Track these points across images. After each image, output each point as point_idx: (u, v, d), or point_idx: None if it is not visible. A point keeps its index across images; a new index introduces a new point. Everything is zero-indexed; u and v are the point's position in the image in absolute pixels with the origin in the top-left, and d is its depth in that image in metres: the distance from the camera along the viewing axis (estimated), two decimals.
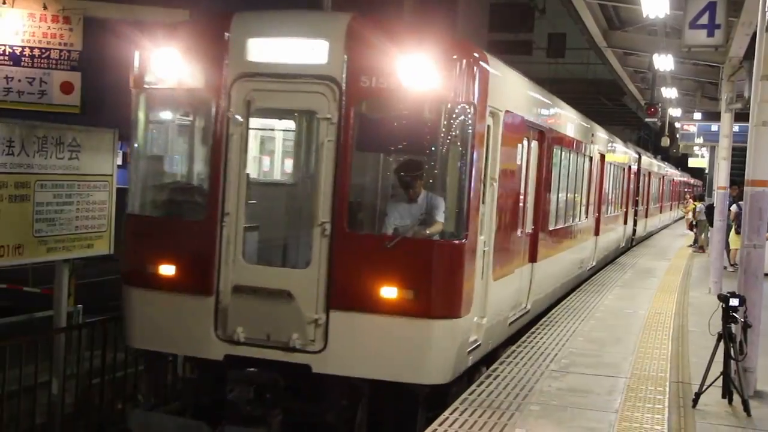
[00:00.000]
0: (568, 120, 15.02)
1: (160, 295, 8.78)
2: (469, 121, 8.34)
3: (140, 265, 8.89)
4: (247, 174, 8.73)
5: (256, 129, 9.72)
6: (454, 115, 8.26)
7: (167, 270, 8.73)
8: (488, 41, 36.70)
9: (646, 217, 31.39)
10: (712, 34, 13.70)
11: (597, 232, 19.26)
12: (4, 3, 14.98)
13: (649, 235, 33.30)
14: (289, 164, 11.13)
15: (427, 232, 8.46)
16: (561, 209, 14.64)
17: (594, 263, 19.31)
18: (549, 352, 10.70)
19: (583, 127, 16.91)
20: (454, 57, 8.32)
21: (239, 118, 8.52)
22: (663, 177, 39.06)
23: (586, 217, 17.65)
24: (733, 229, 20.71)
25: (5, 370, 10.15)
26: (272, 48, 8.57)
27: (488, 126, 9.10)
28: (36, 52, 15.23)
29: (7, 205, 10.36)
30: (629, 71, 28.06)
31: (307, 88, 8.42)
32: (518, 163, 10.79)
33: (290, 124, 10.49)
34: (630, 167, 25.39)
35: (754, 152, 9.41)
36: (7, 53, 15.10)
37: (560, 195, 14.43)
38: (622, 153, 23.79)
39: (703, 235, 28.98)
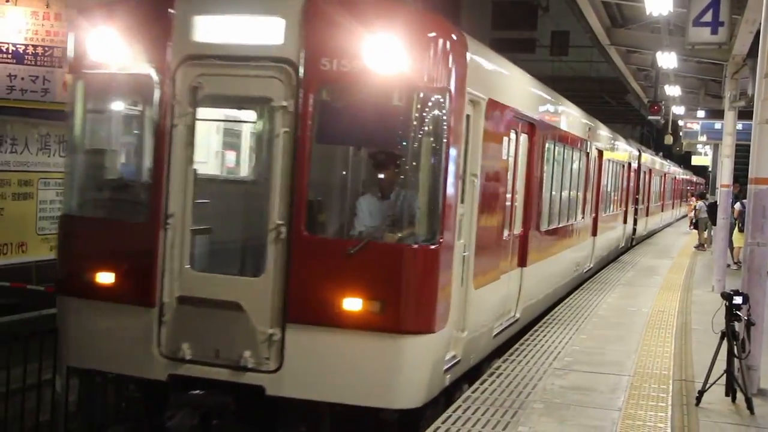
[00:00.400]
0: (562, 113, 14.26)
1: (98, 307, 7.82)
2: (445, 110, 7.46)
3: (76, 272, 7.97)
4: (195, 170, 7.79)
5: (207, 120, 8.55)
6: (427, 103, 7.39)
7: (105, 278, 7.80)
8: (491, 39, 36.69)
9: (647, 216, 30.79)
10: (716, 32, 13.69)
11: (595, 233, 18.54)
12: (7, 1, 14.99)
13: (650, 235, 32.78)
14: (249, 159, 10.00)
15: (399, 235, 7.57)
16: (555, 209, 13.87)
17: (591, 265, 18.64)
18: (552, 350, 10.69)
19: (580, 122, 16.21)
20: (428, 36, 7.46)
21: (185, 106, 7.64)
22: (665, 175, 38.67)
23: (583, 217, 16.87)
24: (736, 227, 20.69)
25: (8, 368, 10.17)
26: (221, 27, 7.67)
27: (468, 116, 8.30)
28: (39, 50, 15.23)
29: (10, 203, 10.39)
30: (632, 69, 28.04)
31: (260, 73, 7.55)
32: (504, 158, 9.93)
33: (252, 115, 9.36)
34: (630, 164, 24.75)
35: (758, 150, 9.40)
36: (10, 51, 15.10)
37: (554, 193, 13.68)
38: (621, 149, 23.13)
39: (705, 233, 28.98)
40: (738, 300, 8.61)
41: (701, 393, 8.61)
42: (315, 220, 7.75)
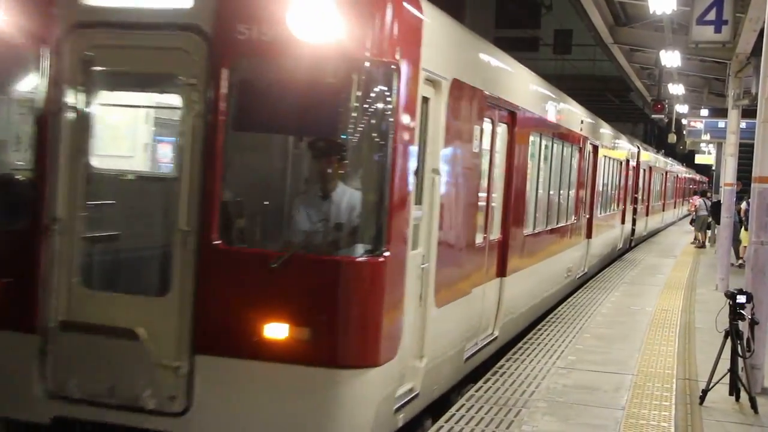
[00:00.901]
0: (551, 103, 12.74)
1: None
2: (392, 90, 6.10)
3: None
4: (87, 164, 6.45)
5: (108, 104, 7.05)
6: (368, 80, 6.03)
7: None
8: (495, 37, 36.67)
9: (647, 215, 29.86)
10: (720, 31, 13.68)
11: (589, 234, 17.24)
12: None
13: (651, 235, 32.01)
14: (165, 152, 8.26)
15: (336, 244, 6.29)
16: (542, 210, 12.54)
17: (585, 269, 17.44)
18: (555, 349, 10.69)
19: (572, 113, 14.78)
20: None
21: (75, 85, 6.32)
22: (666, 173, 38.06)
23: (576, 218, 15.53)
24: (742, 226, 20.68)
25: None
26: None
27: (424, 98, 6.92)
28: None
29: None
30: (636, 68, 27.99)
31: (164, 43, 6.23)
32: (475, 151, 8.42)
33: (167, 97, 7.50)
34: (628, 161, 23.62)
35: (761, 148, 9.39)
36: None
37: (541, 193, 12.33)
38: (618, 146, 21.93)
39: (709, 232, 28.97)
40: (742, 299, 8.60)
41: (705, 392, 8.60)
42: (231, 227, 6.36)
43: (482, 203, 9.07)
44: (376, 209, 6.18)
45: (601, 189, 18.52)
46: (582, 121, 15.76)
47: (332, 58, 5.94)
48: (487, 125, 8.95)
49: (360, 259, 6.07)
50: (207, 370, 6.05)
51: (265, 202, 6.83)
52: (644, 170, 27.95)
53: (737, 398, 8.70)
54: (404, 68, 6.27)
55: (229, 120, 6.11)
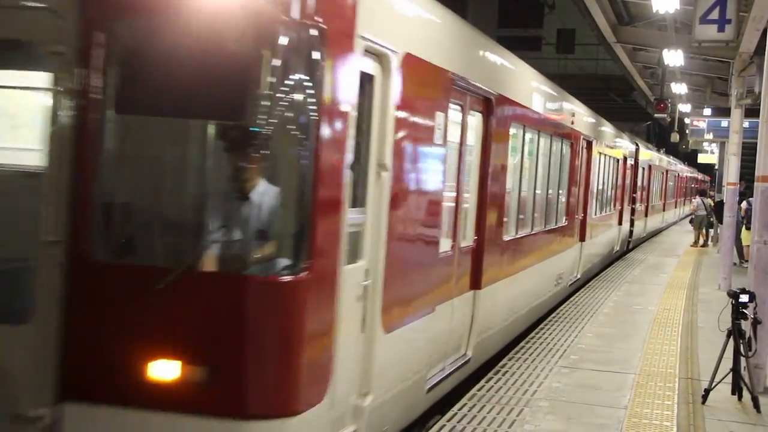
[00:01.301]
0: (535, 90, 11.31)
1: None
2: (317, 61, 4.81)
3: None
4: None
5: None
6: (284, 49, 4.67)
7: None
8: (497, 36, 36.68)
9: (646, 216, 28.81)
10: (723, 30, 13.66)
11: (583, 237, 16.12)
12: None
13: (650, 236, 31.02)
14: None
15: (249, 258, 4.87)
16: (526, 211, 11.32)
17: (578, 275, 16.22)
18: (558, 348, 10.69)
19: (562, 105, 13.50)
20: None
21: None
22: (666, 171, 37.03)
23: (567, 220, 14.39)
24: (743, 226, 20.67)
25: None
26: None
27: (366, 75, 5.64)
28: None
29: None
30: (639, 67, 27.97)
31: (18, 1, 4.90)
32: (437, 142, 7.04)
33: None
34: (626, 159, 22.54)
35: (764, 148, 9.39)
36: None
37: (525, 192, 11.13)
38: (615, 142, 20.80)
39: (711, 231, 28.95)
40: (744, 298, 8.59)
41: (707, 391, 8.59)
42: (111, 236, 4.94)
43: (449, 204, 7.78)
44: (295, 213, 4.89)
45: (596, 188, 17.50)
46: (574, 114, 14.52)
47: (236, 19, 4.58)
48: (454, 113, 7.66)
49: (272, 277, 4.71)
50: (76, 421, 4.69)
51: (161, 204, 5.23)
52: (643, 168, 27.05)
53: (740, 398, 8.69)
54: (333, 34, 4.95)
55: (108, 99, 4.77)
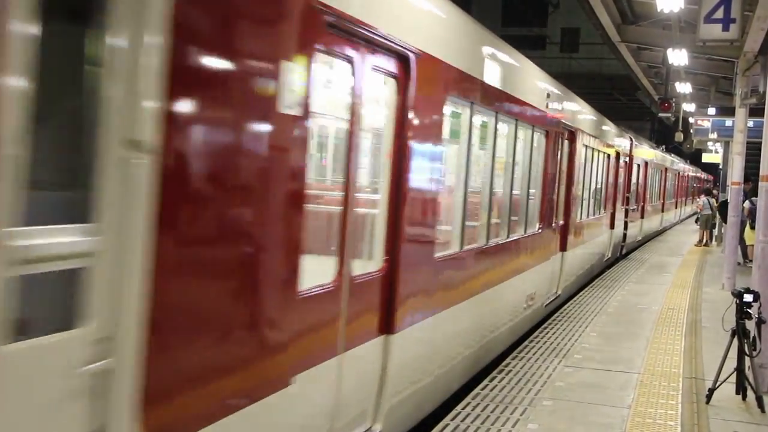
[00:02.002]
0: (488, 55, 8.51)
1: None
2: None
3: None
4: None
5: None
6: None
7: None
8: (501, 36, 36.73)
9: (642, 218, 27.01)
10: (727, 29, 13.64)
11: (564, 246, 13.78)
12: None
13: (647, 240, 29.07)
14: None
15: None
16: (479, 217, 8.85)
17: (558, 291, 13.80)
18: (561, 347, 10.68)
19: (531, 81, 10.87)
20: None
21: None
22: (665, 169, 34.92)
23: (542, 226, 11.77)
24: (747, 225, 20.65)
25: None
26: None
27: None
28: None
29: None
30: (643, 66, 27.96)
31: None
32: (287, 112, 4.44)
33: None
34: (618, 154, 20.56)
35: None
36: None
37: (475, 191, 8.73)
38: (606, 134, 18.57)
39: (715, 230, 28.92)
40: (749, 298, 8.58)
41: (711, 391, 8.58)
42: None
43: (322, 209, 5.73)
44: None
45: (581, 187, 15.24)
46: (549, 96, 11.78)
47: None
48: (324, 69, 5.45)
49: None
50: None
51: None
52: (638, 165, 25.33)
53: (744, 397, 8.68)
54: None
55: None
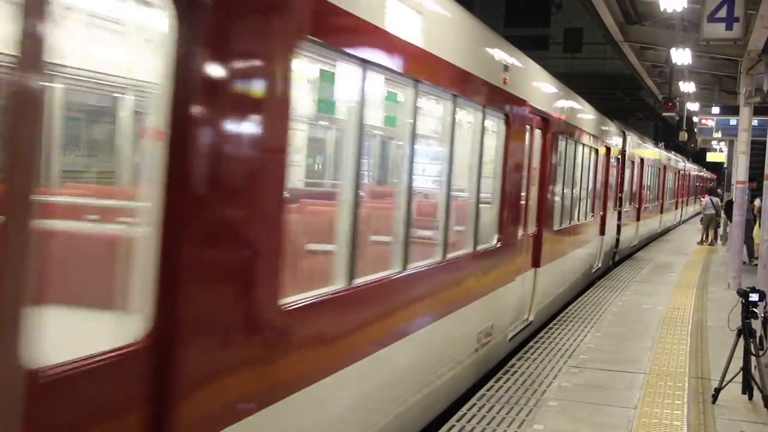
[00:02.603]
0: (431, 18, 6.52)
1: None
2: None
3: None
4: None
5: None
6: None
7: None
8: (504, 36, 36.70)
9: (638, 220, 24.80)
10: (731, 28, 13.62)
11: (537, 262, 11.38)
12: None
13: (643, 245, 26.70)
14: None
15: None
16: (392, 230, 6.32)
17: (530, 318, 11.36)
18: (567, 347, 10.67)
19: (490, 57, 8.53)
20: None
21: None
22: (664, 167, 32.71)
23: (500, 240, 9.10)
24: (756, 224, 20.62)
25: None
26: None
27: None
28: None
29: None
30: (646, 66, 27.94)
31: None
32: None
33: None
34: (609, 150, 18.28)
35: None
36: None
37: (382, 193, 7.62)
38: (593, 127, 16.13)
39: (719, 230, 28.87)
40: (754, 297, 8.56)
41: (717, 391, 8.56)
42: None
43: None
44: None
45: (561, 189, 12.99)
46: (508, 69, 9.05)
47: None
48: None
49: None
50: None
51: None
52: (633, 162, 22.95)
53: (750, 397, 8.66)
54: None
55: None
